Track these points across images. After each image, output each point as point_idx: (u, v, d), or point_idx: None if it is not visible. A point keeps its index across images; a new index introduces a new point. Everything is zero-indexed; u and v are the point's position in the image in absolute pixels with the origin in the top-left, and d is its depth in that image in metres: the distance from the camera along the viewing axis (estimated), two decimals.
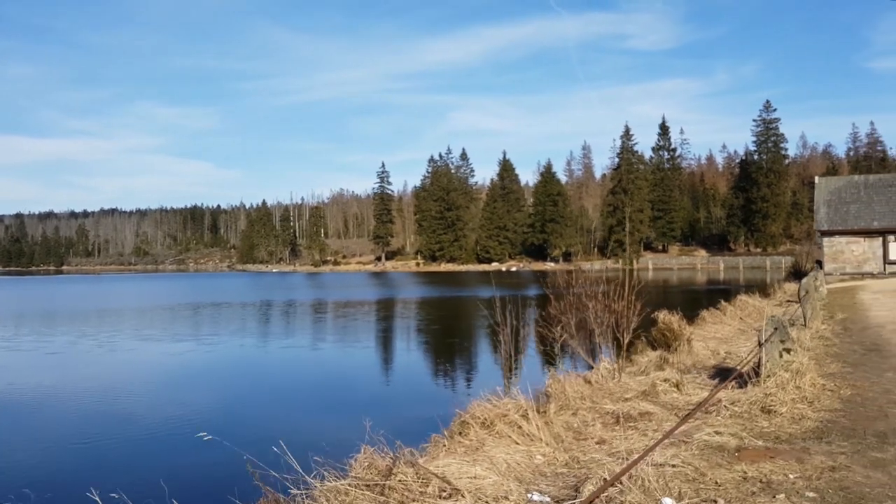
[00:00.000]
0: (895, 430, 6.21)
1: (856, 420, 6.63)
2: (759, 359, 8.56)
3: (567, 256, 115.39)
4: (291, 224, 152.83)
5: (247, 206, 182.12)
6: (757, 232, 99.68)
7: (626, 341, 9.75)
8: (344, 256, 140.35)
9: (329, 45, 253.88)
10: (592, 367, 9.82)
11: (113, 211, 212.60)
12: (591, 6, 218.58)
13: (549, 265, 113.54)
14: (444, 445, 6.38)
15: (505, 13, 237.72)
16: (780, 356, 8.43)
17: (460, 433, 6.56)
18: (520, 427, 6.36)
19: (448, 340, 24.70)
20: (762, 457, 5.48)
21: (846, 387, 8.22)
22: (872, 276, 32.25)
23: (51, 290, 71.67)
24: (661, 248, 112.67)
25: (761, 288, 30.39)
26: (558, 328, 10.30)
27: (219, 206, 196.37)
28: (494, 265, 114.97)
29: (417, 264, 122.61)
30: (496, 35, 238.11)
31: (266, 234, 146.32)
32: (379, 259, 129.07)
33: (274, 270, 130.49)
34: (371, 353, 22.51)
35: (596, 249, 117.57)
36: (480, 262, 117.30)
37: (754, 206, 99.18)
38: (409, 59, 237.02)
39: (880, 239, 32.49)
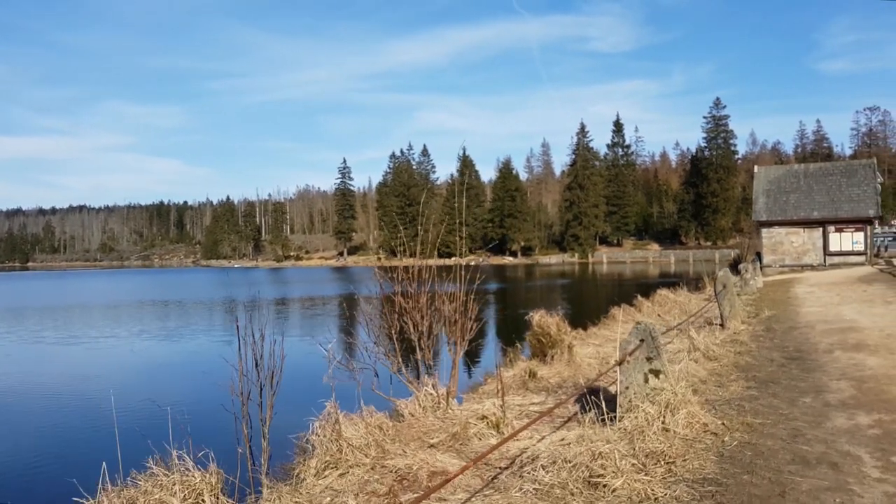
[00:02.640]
0: None
1: None
2: (626, 384, 5.69)
3: (526, 251, 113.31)
4: (255, 220, 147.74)
5: (214, 203, 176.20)
6: (707, 226, 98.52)
7: (459, 355, 6.80)
8: (307, 252, 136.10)
9: (297, 46, 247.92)
10: (426, 392, 6.86)
11: (81, 208, 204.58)
12: (554, 9, 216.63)
13: (509, 259, 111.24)
14: None
15: (470, 15, 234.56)
16: (646, 380, 5.56)
17: None
18: None
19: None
20: None
21: (738, 427, 5.39)
22: (812, 268, 30.07)
23: None
24: (615, 242, 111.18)
25: (694, 281, 27.95)
26: (381, 336, 7.32)
27: (185, 202, 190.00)
28: (454, 260, 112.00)
29: (378, 259, 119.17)
30: (461, 36, 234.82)
31: (229, 230, 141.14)
32: (341, 254, 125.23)
33: (236, 266, 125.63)
34: None
35: (554, 243, 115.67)
36: (441, 256, 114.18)
37: (704, 201, 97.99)
38: (375, 59, 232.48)
39: (820, 230, 30.29)
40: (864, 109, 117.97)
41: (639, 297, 15.97)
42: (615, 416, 5.48)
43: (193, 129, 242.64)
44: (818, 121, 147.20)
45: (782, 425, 5.45)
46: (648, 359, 5.61)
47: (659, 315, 15.72)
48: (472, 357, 13.16)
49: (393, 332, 6.86)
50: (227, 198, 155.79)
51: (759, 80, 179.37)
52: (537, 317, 9.31)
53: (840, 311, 13.58)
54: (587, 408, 6.47)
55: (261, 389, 5.37)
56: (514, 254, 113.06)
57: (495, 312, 30.13)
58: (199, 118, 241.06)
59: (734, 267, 36.52)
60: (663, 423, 5.21)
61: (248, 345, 5.42)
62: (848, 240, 29.43)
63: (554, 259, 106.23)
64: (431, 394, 6.38)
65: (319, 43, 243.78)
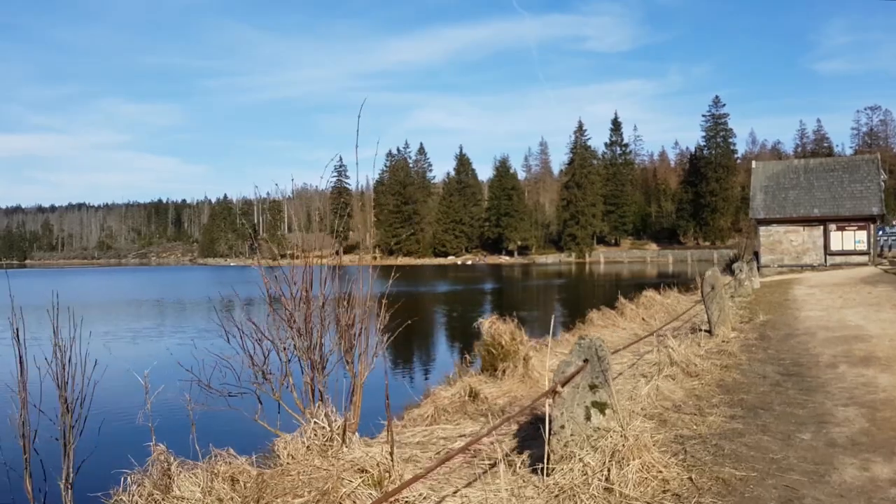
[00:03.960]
0: None
1: None
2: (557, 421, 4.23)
3: (523, 250, 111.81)
4: (253, 218, 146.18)
5: (212, 201, 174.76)
6: (706, 226, 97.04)
7: (362, 377, 5.31)
8: (304, 251, 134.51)
9: (294, 44, 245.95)
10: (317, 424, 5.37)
11: (80, 206, 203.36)
12: (552, 8, 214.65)
13: (505, 258, 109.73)
14: None
15: (468, 14, 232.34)
16: (588, 417, 4.10)
17: None
18: None
19: None
20: None
21: (711, 486, 3.90)
22: (812, 268, 28.57)
23: None
24: (613, 241, 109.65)
25: (691, 281, 26.46)
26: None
27: (184, 200, 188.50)
28: (451, 259, 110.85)
29: (374, 258, 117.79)
30: (459, 35, 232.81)
31: (226, 229, 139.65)
32: (337, 253, 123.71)
33: (232, 264, 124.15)
34: None
35: (551, 243, 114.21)
36: (437, 255, 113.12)
37: (703, 201, 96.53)
38: (373, 58, 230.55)
39: (821, 228, 28.76)
40: (865, 109, 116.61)
41: (621, 298, 14.47)
42: (542, 470, 4.02)
43: (190, 128, 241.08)
44: (818, 120, 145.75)
45: (772, 480, 3.98)
46: (592, 387, 4.14)
47: (643, 319, 14.25)
48: (421, 368, 11.70)
49: (282, 344, 5.39)
50: (225, 196, 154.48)
51: (758, 80, 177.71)
52: (487, 324, 7.83)
53: (843, 315, 12.10)
54: (523, 443, 5.03)
55: (65, 431, 3.90)
56: (510, 253, 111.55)
57: (476, 315, 28.71)
58: (196, 116, 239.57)
59: (730, 266, 35.09)
60: (607, 478, 3.75)
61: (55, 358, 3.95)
62: (850, 239, 27.93)
63: (551, 258, 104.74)
64: (323, 427, 4.91)
65: (317, 41, 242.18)
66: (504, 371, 7.57)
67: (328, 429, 4.92)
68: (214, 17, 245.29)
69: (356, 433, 5.07)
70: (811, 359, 8.27)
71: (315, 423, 4.97)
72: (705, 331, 10.69)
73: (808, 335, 10.07)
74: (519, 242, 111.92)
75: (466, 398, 6.72)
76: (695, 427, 5.13)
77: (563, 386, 4.09)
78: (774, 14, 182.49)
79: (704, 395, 6.42)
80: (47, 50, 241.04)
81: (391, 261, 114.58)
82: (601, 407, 4.04)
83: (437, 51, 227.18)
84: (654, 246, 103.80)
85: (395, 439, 5.37)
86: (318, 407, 5.07)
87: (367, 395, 5.96)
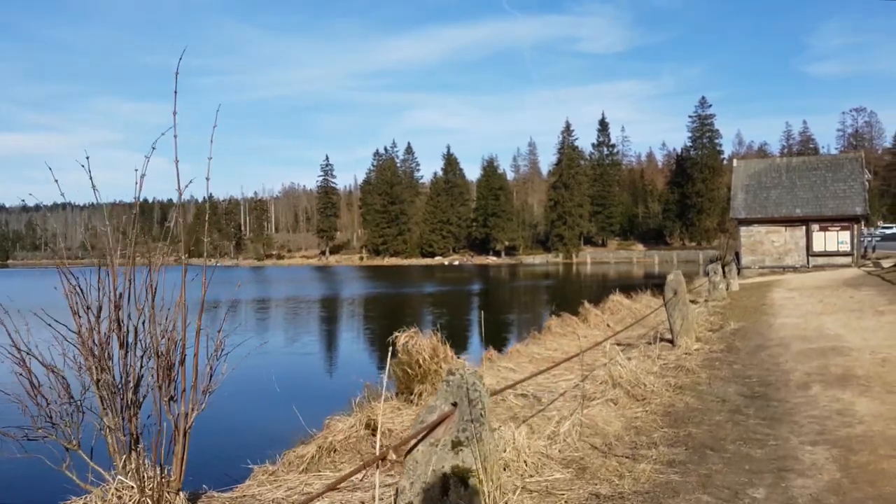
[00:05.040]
0: None
1: None
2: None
3: (510, 251, 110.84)
4: (238, 218, 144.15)
5: (199, 201, 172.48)
6: (692, 226, 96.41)
7: (188, 420, 4.08)
8: (289, 251, 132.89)
9: (289, 43, 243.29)
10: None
11: (65, 205, 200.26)
12: (545, 9, 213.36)
13: (492, 259, 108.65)
14: None
15: (462, 14, 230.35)
16: (444, 492, 2.92)
17: None
18: None
19: None
20: None
21: None
22: (794, 269, 27.62)
23: None
24: (600, 242, 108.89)
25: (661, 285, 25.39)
26: None
27: (170, 199, 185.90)
28: (438, 259, 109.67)
29: (361, 258, 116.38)
30: (454, 36, 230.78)
31: (211, 228, 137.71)
32: (323, 253, 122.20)
33: (216, 264, 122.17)
34: None
35: (538, 243, 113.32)
36: (424, 256, 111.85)
37: (689, 201, 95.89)
38: (368, 57, 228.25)
39: (803, 228, 27.81)
40: (851, 110, 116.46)
41: (585, 303, 13.34)
42: None
43: (181, 126, 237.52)
44: (804, 122, 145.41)
45: None
46: (456, 445, 2.98)
47: (609, 325, 13.14)
48: (333, 389, 10.42)
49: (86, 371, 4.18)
50: (210, 195, 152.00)
51: (749, 83, 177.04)
52: (403, 338, 6.65)
53: (822, 323, 11.04)
54: None
55: None
56: (497, 253, 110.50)
57: (455, 318, 27.52)
58: (189, 115, 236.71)
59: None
60: None
61: None
62: (833, 239, 26.98)
63: (538, 259, 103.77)
64: (131, 487, 3.72)
65: (312, 40, 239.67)
66: (421, 395, 6.41)
67: (136, 489, 3.73)
68: (211, 15, 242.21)
69: (180, 492, 3.88)
70: (781, 376, 7.18)
71: (120, 480, 3.77)
72: (668, 340, 9.61)
73: (781, 346, 8.98)
74: (506, 243, 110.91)
75: (363, 432, 5.55)
76: (617, 481, 3.98)
77: (415, 444, 2.93)
78: (768, 16, 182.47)
79: (645, 428, 5.28)
80: (41, 49, 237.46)
81: (378, 261, 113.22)
82: (463, 478, 2.88)
83: (432, 51, 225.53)
84: (640, 247, 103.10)
85: (248, 495, 4.20)
86: (127, 459, 3.87)
87: (236, 429, 4.80)
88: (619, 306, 14.05)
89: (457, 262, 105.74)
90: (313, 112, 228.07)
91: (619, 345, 10.85)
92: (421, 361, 6.49)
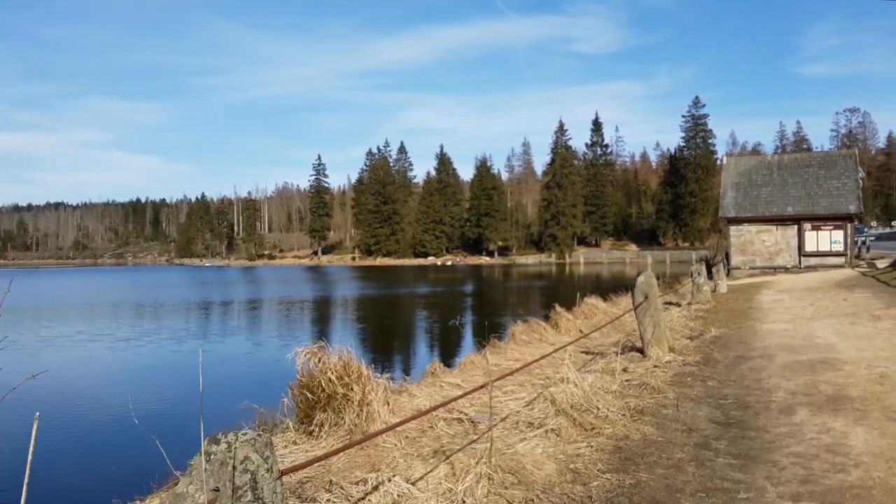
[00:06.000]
0: None
1: None
2: None
3: (503, 251, 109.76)
4: (230, 218, 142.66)
5: (192, 200, 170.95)
6: (685, 227, 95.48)
7: None
8: (281, 251, 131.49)
9: (282, 42, 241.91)
10: None
11: (58, 205, 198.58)
12: (539, 9, 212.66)
13: (485, 259, 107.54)
14: None
15: (457, 14, 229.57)
16: None
17: None
18: None
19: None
20: None
21: None
22: (786, 270, 26.54)
23: None
24: (594, 242, 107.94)
25: (667, 283, 24.38)
26: None
27: (163, 199, 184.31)
28: (431, 259, 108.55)
29: (353, 258, 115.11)
30: (448, 35, 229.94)
31: (203, 228, 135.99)
32: (315, 253, 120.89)
33: (207, 264, 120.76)
34: None
35: (532, 244, 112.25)
36: (417, 256, 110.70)
37: (682, 202, 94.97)
38: (362, 57, 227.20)
39: (795, 227, 26.72)
40: (844, 110, 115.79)
41: (556, 307, 12.21)
42: None
43: (176, 126, 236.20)
44: (798, 122, 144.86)
45: None
46: None
47: (581, 331, 12.00)
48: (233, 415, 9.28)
49: None
50: (203, 195, 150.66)
51: (742, 83, 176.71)
52: (304, 355, 5.46)
53: (812, 329, 9.92)
54: None
55: None
56: (490, 253, 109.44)
57: (432, 322, 26.39)
58: (182, 115, 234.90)
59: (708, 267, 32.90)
60: None
61: None
62: (826, 239, 25.90)
63: (531, 259, 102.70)
64: None
65: (305, 40, 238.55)
66: (322, 425, 5.24)
67: None
68: (204, 14, 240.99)
69: None
70: (762, 396, 6.05)
71: None
72: (638, 350, 8.49)
73: (764, 358, 7.86)
74: (500, 243, 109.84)
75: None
76: None
77: None
78: (762, 17, 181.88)
79: (585, 472, 4.14)
80: (31, 47, 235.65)
81: (370, 261, 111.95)
82: None
83: (426, 50, 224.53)
84: (634, 247, 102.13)
85: None
86: None
87: (91, 461, 3.67)
88: (594, 310, 12.93)
89: (450, 263, 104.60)
90: (307, 112, 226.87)
91: (587, 353, 9.75)
92: (324, 384, 5.33)
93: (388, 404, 5.86)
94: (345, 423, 5.33)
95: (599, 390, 6.08)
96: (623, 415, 5.48)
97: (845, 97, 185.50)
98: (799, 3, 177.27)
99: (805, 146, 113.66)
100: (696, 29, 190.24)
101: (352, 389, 5.49)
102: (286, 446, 5.12)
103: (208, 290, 49.42)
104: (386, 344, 19.33)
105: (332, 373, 5.45)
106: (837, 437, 4.68)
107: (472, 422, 5.94)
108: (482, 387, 4.62)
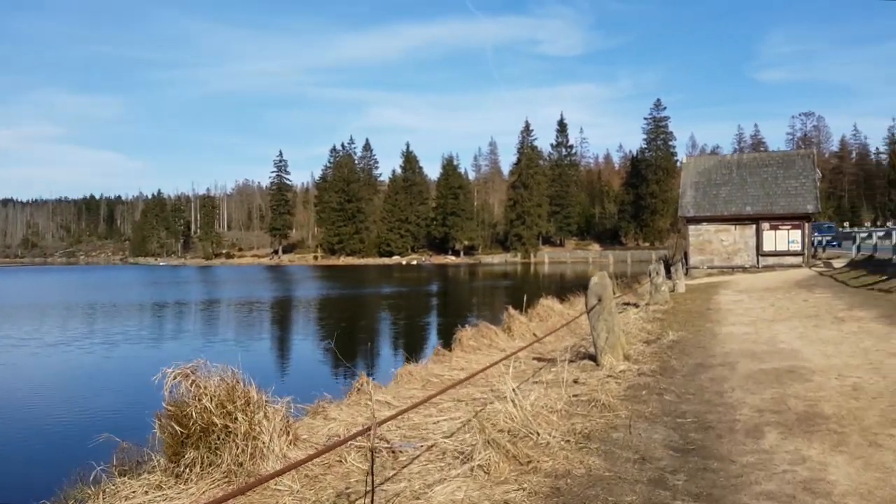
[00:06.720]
0: None
1: None
2: None
3: (469, 250, 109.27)
4: (187, 215, 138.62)
5: (148, 197, 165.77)
6: (646, 227, 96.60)
7: None
8: (240, 249, 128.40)
9: (245, 37, 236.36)
10: None
11: (6, 201, 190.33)
12: (507, 10, 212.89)
13: (451, 258, 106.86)
14: None
15: (425, 12, 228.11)
16: None
17: None
18: None
19: None
20: None
21: None
22: (744, 269, 26.40)
23: None
24: (558, 242, 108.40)
25: (627, 282, 23.96)
26: None
27: (119, 196, 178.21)
28: (396, 259, 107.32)
29: (315, 257, 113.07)
30: (416, 33, 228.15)
31: (158, 226, 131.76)
32: (276, 252, 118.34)
33: (161, 263, 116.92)
34: None
35: (498, 243, 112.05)
36: (381, 255, 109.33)
37: (644, 202, 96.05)
38: (327, 53, 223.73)
39: (754, 227, 26.60)
40: (800, 114, 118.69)
41: (510, 309, 11.40)
42: None
43: (132, 121, 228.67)
44: (756, 125, 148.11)
45: None
46: None
47: (535, 335, 11.22)
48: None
49: None
50: (159, 192, 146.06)
51: (703, 87, 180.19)
52: (173, 378, 4.44)
53: (775, 333, 9.32)
54: None
55: None
56: (456, 253, 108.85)
57: (388, 326, 25.39)
58: (139, 109, 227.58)
59: (668, 267, 32.61)
60: None
61: None
62: (784, 238, 25.83)
63: (497, 259, 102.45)
64: None
65: (269, 35, 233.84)
66: (193, 465, 4.25)
67: None
68: (159, 6, 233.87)
69: None
70: (725, 414, 5.29)
71: None
72: (591, 357, 7.71)
73: (726, 366, 7.15)
74: (466, 242, 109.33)
75: None
76: None
77: None
78: (721, 23, 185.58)
79: None
80: None
81: (333, 260, 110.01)
82: None
83: (393, 48, 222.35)
84: (597, 247, 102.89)
85: None
86: None
87: None
88: (549, 312, 12.17)
89: (415, 262, 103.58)
90: (270, 108, 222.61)
91: (540, 359, 8.95)
92: (196, 414, 4.33)
93: (289, 434, 4.90)
94: (223, 462, 4.34)
95: (543, 409, 5.24)
96: (567, 441, 4.64)
97: (801, 102, 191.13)
98: (757, 11, 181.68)
99: (762, 149, 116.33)
100: (658, 33, 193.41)
101: (235, 419, 4.51)
102: (147, 492, 4.11)
103: (156, 290, 47.44)
104: (332, 350, 18.29)
105: (210, 399, 4.45)
106: (815, 470, 3.92)
107: (393, 451, 5.04)
108: (458, 383, 3.68)
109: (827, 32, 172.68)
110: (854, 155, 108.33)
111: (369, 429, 3.14)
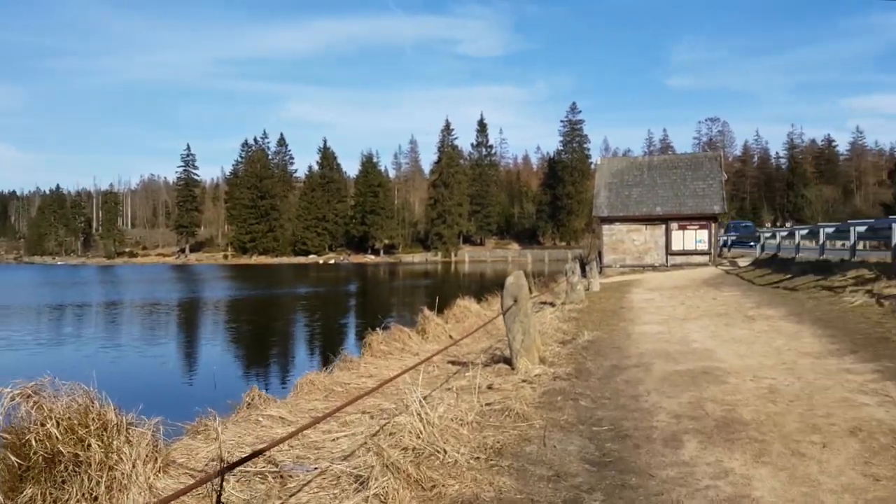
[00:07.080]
0: None
1: None
2: None
3: (389, 249, 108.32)
4: (87, 212, 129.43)
5: (46, 192, 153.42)
6: (562, 227, 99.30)
7: None
8: (145, 248, 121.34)
9: (152, 26, 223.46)
10: None
11: None
12: (426, 9, 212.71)
13: (371, 258, 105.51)
14: None
15: (343, 7, 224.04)
16: None
17: None
18: None
19: None
20: None
21: None
22: (654, 268, 27.27)
23: None
24: (478, 241, 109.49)
25: (543, 281, 23.98)
26: None
27: (13, 191, 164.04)
28: (312, 258, 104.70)
29: (225, 256, 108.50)
30: (333, 28, 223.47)
31: (56, 223, 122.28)
32: (182, 251, 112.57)
33: (59, 263, 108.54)
34: None
35: (418, 242, 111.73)
36: (297, 254, 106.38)
37: (560, 203, 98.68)
38: (239, 45, 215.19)
39: (663, 227, 27.55)
40: (706, 120, 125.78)
41: (426, 310, 10.90)
42: None
43: (29, 112, 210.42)
44: (665, 130, 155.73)
45: None
46: None
47: (451, 337, 10.79)
48: None
49: None
50: (57, 187, 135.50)
51: (615, 93, 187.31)
52: (9, 399, 3.61)
53: (687, 332, 9.32)
54: None
55: None
56: (376, 252, 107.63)
57: (297, 329, 24.29)
58: (37, 99, 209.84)
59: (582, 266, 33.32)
60: None
61: None
62: (691, 238, 26.92)
63: (417, 258, 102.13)
64: None
65: (177, 23, 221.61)
66: (34, 502, 3.45)
67: None
68: None
69: None
70: (642, 421, 4.99)
71: None
72: (506, 360, 7.32)
73: (641, 368, 6.95)
74: (386, 241, 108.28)
75: None
76: None
77: None
78: (631, 31, 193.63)
79: None
80: None
81: (245, 260, 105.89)
82: None
83: (310, 42, 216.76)
84: (516, 246, 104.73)
85: None
86: None
87: None
88: (466, 313, 11.78)
89: (333, 261, 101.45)
90: (178, 99, 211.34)
91: (455, 363, 8.50)
92: (37, 442, 3.54)
93: (156, 461, 4.16)
94: (70, 498, 3.56)
95: (452, 422, 4.74)
96: (477, 458, 4.17)
97: (707, 108, 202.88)
98: (665, 20, 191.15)
99: (671, 152, 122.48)
100: (573, 39, 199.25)
101: (88, 447, 3.73)
102: None
103: (50, 291, 43.67)
104: (232, 358, 17.18)
105: (56, 424, 3.66)
106: (739, 485, 3.63)
107: (282, 476, 4.39)
108: (361, 396, 3.06)
109: (731, 42, 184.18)
110: (756, 159, 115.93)
111: (212, 477, 2.49)
